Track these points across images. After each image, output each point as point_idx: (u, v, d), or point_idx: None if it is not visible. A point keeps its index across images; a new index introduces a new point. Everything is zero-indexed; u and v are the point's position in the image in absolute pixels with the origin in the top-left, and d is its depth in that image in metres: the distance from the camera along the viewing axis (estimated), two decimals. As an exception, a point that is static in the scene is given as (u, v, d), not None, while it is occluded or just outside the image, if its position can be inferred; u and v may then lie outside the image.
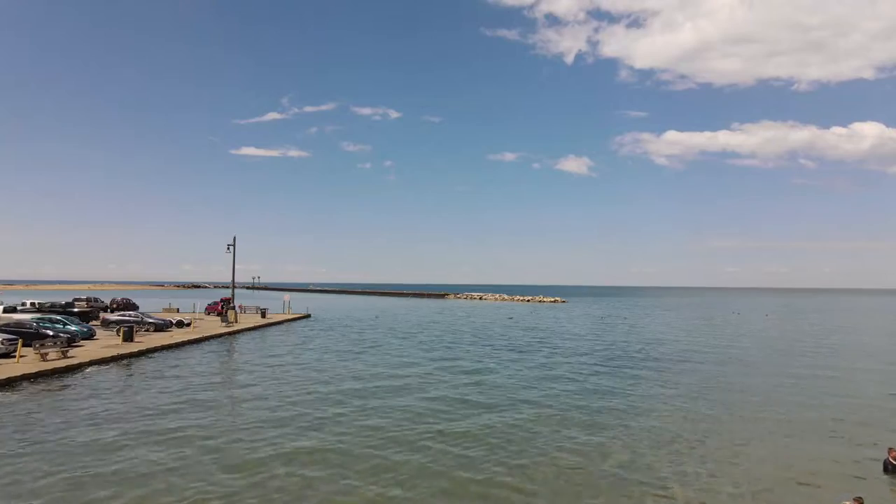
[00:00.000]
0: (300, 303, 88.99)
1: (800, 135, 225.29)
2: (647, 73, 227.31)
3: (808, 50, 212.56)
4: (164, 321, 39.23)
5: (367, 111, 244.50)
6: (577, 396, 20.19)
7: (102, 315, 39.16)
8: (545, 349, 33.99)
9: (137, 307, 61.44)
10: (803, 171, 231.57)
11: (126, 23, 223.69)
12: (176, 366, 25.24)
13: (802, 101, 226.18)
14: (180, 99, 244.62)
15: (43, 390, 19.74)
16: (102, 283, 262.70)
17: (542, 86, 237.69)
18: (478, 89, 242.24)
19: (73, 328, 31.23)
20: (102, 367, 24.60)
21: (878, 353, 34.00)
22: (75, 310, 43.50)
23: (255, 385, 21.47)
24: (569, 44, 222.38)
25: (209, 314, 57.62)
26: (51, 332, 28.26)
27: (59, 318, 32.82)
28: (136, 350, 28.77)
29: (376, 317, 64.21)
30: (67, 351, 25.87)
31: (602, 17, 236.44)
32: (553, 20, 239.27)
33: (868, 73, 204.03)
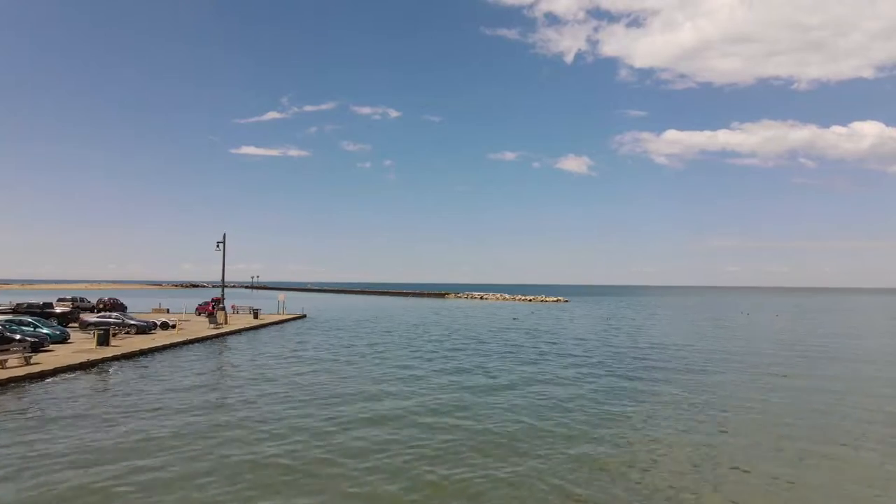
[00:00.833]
0: (299, 302, 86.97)
1: (800, 134, 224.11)
2: (646, 73, 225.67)
3: (807, 49, 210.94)
4: (147, 323, 37.07)
5: (366, 110, 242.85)
6: (601, 419, 18.00)
7: (81, 316, 36.94)
8: (557, 357, 31.77)
9: (125, 307, 59.29)
10: (803, 170, 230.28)
11: (125, 22, 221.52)
12: (145, 377, 22.81)
13: (802, 101, 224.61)
14: (180, 98, 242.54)
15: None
16: (99, 282, 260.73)
17: (542, 85, 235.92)
18: (478, 88, 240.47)
19: (44, 331, 29.08)
20: (67, 376, 22.41)
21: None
22: (58, 311, 41.33)
23: (228, 409, 17.42)
24: (568, 43, 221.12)
25: (199, 315, 55.44)
26: (18, 336, 26.07)
27: (31, 320, 30.64)
28: (109, 355, 26.61)
29: (376, 318, 61.96)
30: (31, 357, 23.67)
31: (602, 16, 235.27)
32: (553, 19, 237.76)
33: (868, 73, 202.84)
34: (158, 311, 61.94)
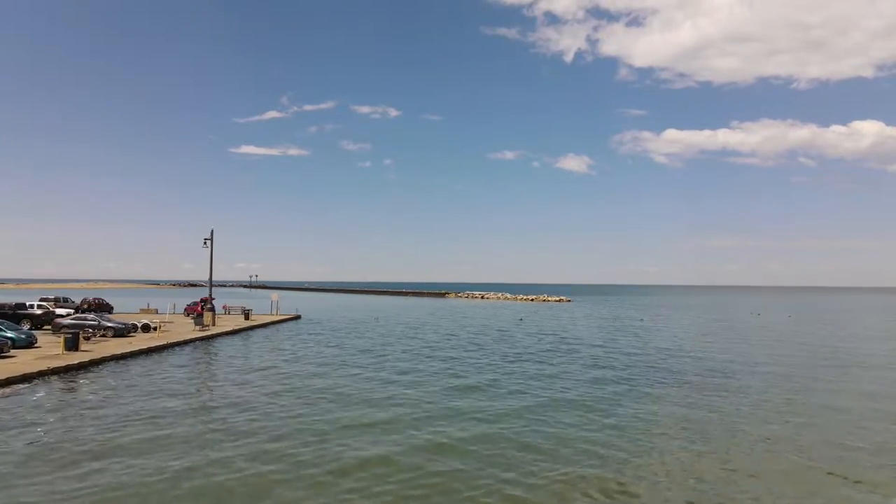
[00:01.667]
0: (297, 302, 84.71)
1: (799, 133, 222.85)
2: (646, 72, 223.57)
3: (807, 48, 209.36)
4: (125, 325, 34.55)
5: (366, 110, 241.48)
6: (634, 437, 15.51)
7: (56, 319, 34.41)
8: (574, 364, 29.31)
9: (111, 308, 56.80)
10: (803, 169, 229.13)
11: (124, 21, 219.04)
12: (109, 390, 20.15)
13: (802, 100, 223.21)
14: (180, 98, 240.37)
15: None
16: (96, 281, 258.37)
17: (542, 84, 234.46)
18: (477, 88, 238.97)
19: (8, 335, 26.59)
20: (21, 387, 19.93)
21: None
22: (37, 311, 38.75)
23: (192, 445, 13.69)
24: (568, 42, 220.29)
25: (189, 315, 52.92)
26: (-25, 341, 23.59)
27: (-4, 322, 28.14)
28: (76, 362, 24.10)
29: (376, 319, 59.50)
30: (-16, 365, 21.19)
31: (601, 15, 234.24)
32: (552, 18, 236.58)
33: (868, 72, 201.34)
34: (147, 311, 59.50)
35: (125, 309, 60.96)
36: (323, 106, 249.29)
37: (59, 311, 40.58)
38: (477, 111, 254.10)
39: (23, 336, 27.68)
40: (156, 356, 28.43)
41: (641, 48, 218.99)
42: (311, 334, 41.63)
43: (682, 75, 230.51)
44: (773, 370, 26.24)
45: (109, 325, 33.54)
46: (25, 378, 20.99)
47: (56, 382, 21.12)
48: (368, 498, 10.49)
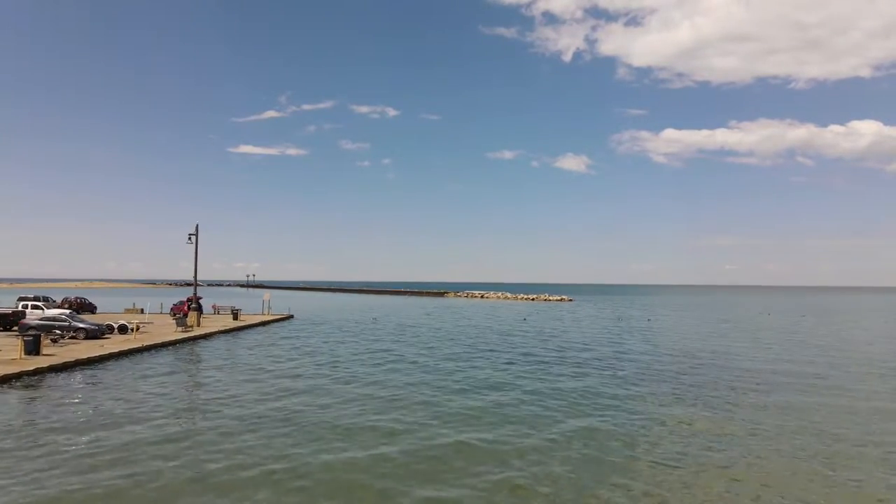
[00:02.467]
0: (294, 301, 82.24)
1: (798, 133, 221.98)
2: (644, 72, 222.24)
3: (806, 48, 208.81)
4: (99, 326, 32.02)
5: (365, 109, 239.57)
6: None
7: (23, 320, 31.85)
8: (592, 371, 26.86)
9: (94, 308, 54.39)
10: (801, 168, 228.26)
11: (123, 20, 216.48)
12: (58, 404, 17.65)
13: (800, 100, 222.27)
14: (178, 97, 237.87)
15: None
16: (92, 280, 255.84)
17: (541, 84, 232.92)
18: (476, 87, 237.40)
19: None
20: (-41, 398, 17.41)
21: None
22: (6, 311, 36.15)
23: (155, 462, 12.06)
24: (567, 42, 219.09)
25: (175, 315, 50.35)
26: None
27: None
28: (31, 368, 21.59)
29: (374, 319, 57.07)
30: (-79, 373, 18.67)
31: (600, 15, 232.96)
32: (551, 18, 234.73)
33: (866, 72, 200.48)
34: (131, 311, 56.94)
35: (112, 309, 58.53)
36: (322, 105, 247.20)
37: (31, 311, 37.94)
38: (476, 111, 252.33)
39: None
40: (127, 361, 25.88)
41: (640, 48, 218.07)
42: (301, 338, 39.12)
43: (680, 75, 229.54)
44: (807, 378, 23.78)
45: (81, 325, 31.00)
46: (-32, 388, 18.46)
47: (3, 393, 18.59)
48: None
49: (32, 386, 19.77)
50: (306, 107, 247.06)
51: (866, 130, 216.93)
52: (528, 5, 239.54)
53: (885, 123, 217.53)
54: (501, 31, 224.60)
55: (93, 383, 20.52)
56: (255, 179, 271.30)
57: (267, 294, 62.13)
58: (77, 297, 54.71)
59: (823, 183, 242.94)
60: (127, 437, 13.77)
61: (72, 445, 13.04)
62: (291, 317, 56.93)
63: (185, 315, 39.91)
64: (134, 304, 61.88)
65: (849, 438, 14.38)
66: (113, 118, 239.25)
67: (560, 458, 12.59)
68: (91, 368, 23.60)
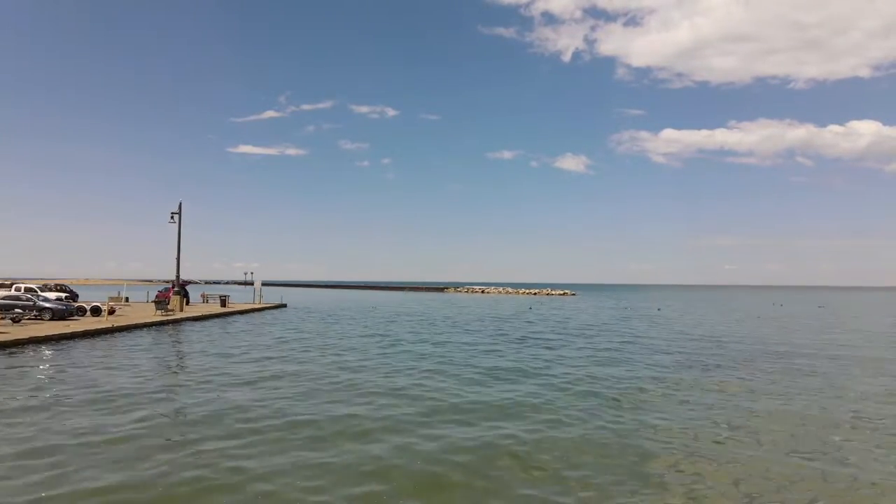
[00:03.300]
0: (292, 297, 79.56)
1: (797, 133, 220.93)
2: (644, 72, 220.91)
3: (805, 48, 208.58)
4: (67, 307, 29.38)
5: (364, 109, 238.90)
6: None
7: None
8: (621, 350, 24.17)
9: (76, 295, 51.70)
10: (801, 168, 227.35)
11: (121, 20, 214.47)
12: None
13: (800, 100, 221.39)
14: (177, 97, 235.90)
15: None
16: (88, 279, 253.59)
17: (540, 84, 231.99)
18: (475, 87, 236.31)
19: None
20: None
21: None
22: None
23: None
24: (566, 42, 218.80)
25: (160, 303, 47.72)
26: None
27: None
28: (-28, 344, 18.94)
29: (373, 307, 54.80)
30: None
31: (599, 15, 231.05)
32: (550, 18, 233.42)
33: (865, 72, 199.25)
34: (115, 298, 54.21)
35: (100, 300, 55.89)
36: (321, 105, 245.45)
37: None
38: (475, 111, 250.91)
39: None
40: (89, 342, 23.21)
41: (639, 48, 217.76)
42: (292, 322, 36.50)
43: (679, 75, 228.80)
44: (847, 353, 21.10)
45: (47, 305, 28.35)
46: None
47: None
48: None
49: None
50: (306, 107, 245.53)
51: (866, 130, 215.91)
52: (528, 5, 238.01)
53: (885, 123, 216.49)
54: (500, 31, 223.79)
55: (36, 361, 17.89)
56: (255, 179, 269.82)
57: (258, 283, 59.45)
58: (57, 284, 52.05)
59: (823, 183, 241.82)
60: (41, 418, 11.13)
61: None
62: (284, 305, 54.33)
63: (168, 300, 37.19)
64: (119, 292, 59.16)
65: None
66: (113, 118, 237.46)
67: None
68: (43, 346, 20.95)
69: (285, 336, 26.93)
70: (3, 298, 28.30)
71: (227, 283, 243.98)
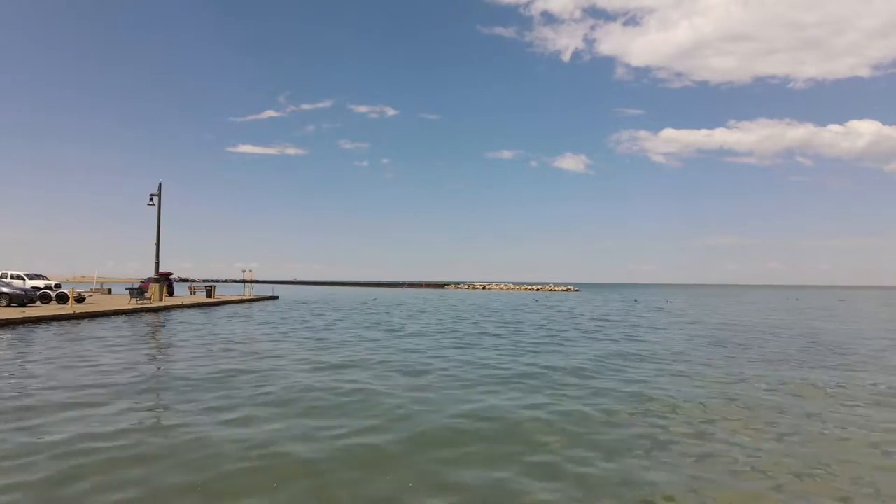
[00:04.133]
0: (289, 293, 76.95)
1: (796, 132, 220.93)
2: (643, 71, 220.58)
3: (804, 48, 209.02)
4: (27, 292, 26.58)
5: (364, 109, 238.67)
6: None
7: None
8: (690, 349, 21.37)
9: (58, 286, 48.91)
10: (800, 168, 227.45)
11: (119, 19, 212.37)
12: None
13: (799, 99, 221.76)
14: (176, 97, 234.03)
15: None
16: (83, 277, 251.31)
17: (539, 83, 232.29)
18: (475, 87, 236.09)
19: None
20: None
21: None
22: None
23: None
24: (565, 42, 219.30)
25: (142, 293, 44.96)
26: None
27: None
28: None
29: (374, 299, 52.96)
30: None
31: (598, 14, 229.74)
32: (549, 18, 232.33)
33: (864, 72, 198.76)
34: (98, 291, 51.50)
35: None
36: (320, 105, 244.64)
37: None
38: (474, 110, 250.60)
39: None
40: (41, 327, 20.44)
41: (638, 47, 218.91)
42: (279, 314, 33.71)
43: (679, 74, 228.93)
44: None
45: (4, 290, 25.55)
46: None
47: None
48: None
49: None
50: (305, 106, 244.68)
51: (865, 130, 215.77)
52: (527, 5, 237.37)
53: (884, 123, 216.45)
54: (500, 30, 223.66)
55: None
56: (255, 179, 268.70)
57: (249, 274, 56.64)
58: (35, 273, 49.21)
59: (822, 182, 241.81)
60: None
61: None
62: (276, 297, 51.61)
63: (137, 289, 34.31)
64: (102, 284, 56.42)
65: None
66: (112, 118, 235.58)
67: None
68: (-15, 331, 18.18)
69: (270, 321, 24.19)
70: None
71: (226, 281, 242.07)
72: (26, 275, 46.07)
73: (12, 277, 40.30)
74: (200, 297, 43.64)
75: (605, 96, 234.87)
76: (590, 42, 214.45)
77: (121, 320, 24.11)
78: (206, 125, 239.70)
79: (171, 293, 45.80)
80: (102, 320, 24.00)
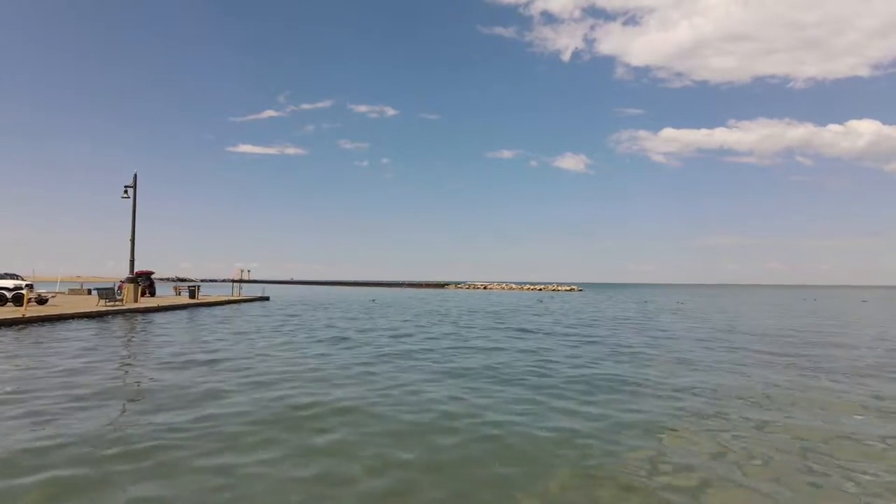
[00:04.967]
0: (287, 293, 74.05)
1: (796, 132, 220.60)
2: (643, 71, 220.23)
3: (804, 47, 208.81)
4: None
5: (363, 109, 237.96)
6: None
7: None
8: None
9: (30, 285, 45.95)
10: (800, 168, 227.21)
11: (117, 18, 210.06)
12: None
13: (799, 99, 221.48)
14: (176, 97, 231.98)
15: None
16: (79, 276, 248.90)
17: (539, 83, 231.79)
18: (475, 87, 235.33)
19: None
20: None
21: None
22: None
23: None
24: (565, 41, 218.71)
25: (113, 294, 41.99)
26: None
27: None
28: None
29: (372, 300, 50.76)
30: None
31: (598, 14, 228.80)
32: (549, 18, 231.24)
33: (864, 71, 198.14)
34: (77, 291, 48.54)
35: (49, 288, 50.20)
36: (320, 105, 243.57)
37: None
38: (474, 110, 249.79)
39: None
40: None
41: (638, 47, 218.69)
42: (265, 317, 30.74)
43: (678, 74, 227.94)
44: None
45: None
46: None
47: None
48: None
49: None
50: (305, 106, 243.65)
51: (865, 130, 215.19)
52: (527, 5, 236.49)
53: (884, 123, 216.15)
54: (500, 30, 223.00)
55: None
56: (254, 179, 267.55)
57: (238, 272, 53.57)
58: (8, 273, 46.33)
59: (823, 182, 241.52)
60: None
61: None
62: (266, 298, 48.59)
63: (104, 290, 31.24)
64: (82, 284, 53.37)
65: None
66: (111, 118, 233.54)
67: None
68: None
69: (246, 327, 21.22)
70: None
71: (224, 280, 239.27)
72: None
73: None
74: (182, 298, 40.65)
75: (605, 96, 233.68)
76: (589, 42, 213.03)
77: (80, 325, 21.12)
78: (206, 125, 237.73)
79: (152, 294, 42.86)
80: (59, 325, 21.00)
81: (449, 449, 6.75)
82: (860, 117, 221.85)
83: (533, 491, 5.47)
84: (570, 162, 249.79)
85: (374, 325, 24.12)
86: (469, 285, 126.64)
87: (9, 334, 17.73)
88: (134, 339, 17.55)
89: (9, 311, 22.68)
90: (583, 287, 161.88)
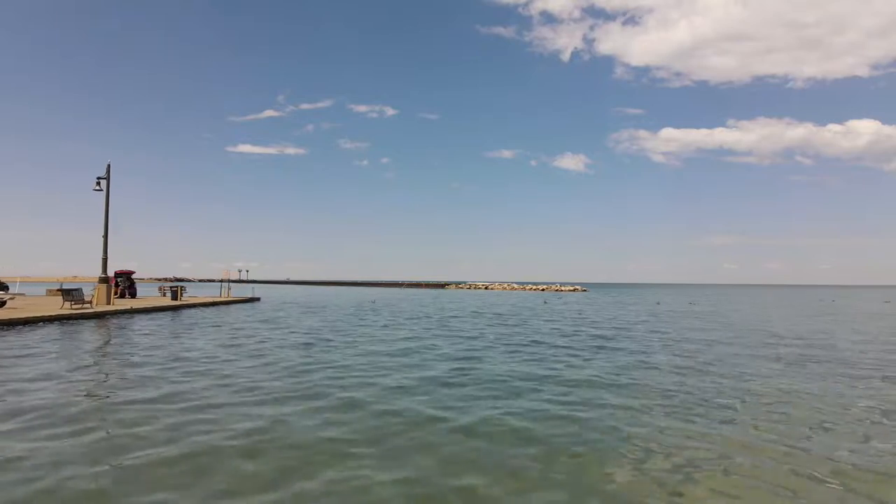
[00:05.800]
0: (285, 293, 71.46)
1: (796, 132, 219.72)
2: (642, 71, 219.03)
3: (803, 47, 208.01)
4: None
5: (363, 108, 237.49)
6: None
7: None
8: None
9: (5, 287, 43.44)
10: (800, 167, 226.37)
11: (117, 18, 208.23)
12: None
13: (798, 99, 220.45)
14: (175, 96, 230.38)
15: None
16: (75, 276, 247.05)
17: (539, 83, 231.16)
18: (475, 87, 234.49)
19: None
20: None
21: None
22: None
23: None
24: (565, 41, 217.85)
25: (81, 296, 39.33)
26: None
27: None
28: None
29: (372, 301, 48.59)
30: None
31: (597, 14, 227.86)
32: (548, 18, 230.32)
33: (864, 71, 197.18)
34: (55, 292, 45.92)
35: (41, 290, 47.70)
36: (320, 105, 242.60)
37: None
38: (474, 110, 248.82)
39: None
40: None
41: (637, 47, 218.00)
42: (249, 321, 28.02)
43: (678, 74, 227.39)
44: None
45: None
46: None
47: None
48: None
49: None
50: (305, 106, 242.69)
51: (864, 129, 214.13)
52: (526, 4, 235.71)
53: (884, 122, 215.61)
54: (499, 30, 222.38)
55: None
56: (254, 179, 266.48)
57: (227, 273, 50.98)
58: (-19, 275, 43.72)
59: (822, 182, 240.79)
60: None
61: None
62: (257, 299, 45.92)
63: (68, 291, 28.48)
64: (62, 285, 50.63)
65: None
66: (110, 118, 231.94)
67: None
68: None
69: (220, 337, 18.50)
70: None
71: (222, 281, 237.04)
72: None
73: None
74: (165, 300, 37.96)
75: (605, 96, 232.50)
76: (589, 41, 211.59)
77: (33, 330, 18.40)
78: (206, 125, 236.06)
79: (132, 294, 40.20)
80: (7, 332, 18.28)
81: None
82: (860, 117, 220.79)
83: None
84: (570, 162, 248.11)
85: (372, 349, 21.39)
86: (470, 285, 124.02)
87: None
88: (52, 354, 14.82)
89: (-50, 316, 19.99)
90: (585, 287, 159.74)
